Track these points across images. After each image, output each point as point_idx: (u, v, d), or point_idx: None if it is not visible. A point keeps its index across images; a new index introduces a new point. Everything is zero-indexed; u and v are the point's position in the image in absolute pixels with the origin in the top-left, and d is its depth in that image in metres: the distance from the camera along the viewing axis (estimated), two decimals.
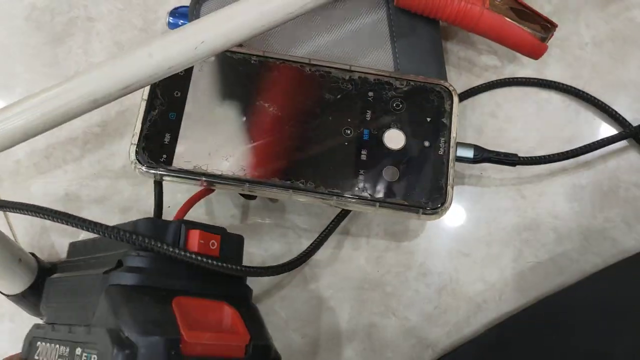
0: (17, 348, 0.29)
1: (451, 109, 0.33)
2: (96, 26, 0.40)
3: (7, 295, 0.31)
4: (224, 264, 0.27)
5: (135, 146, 0.32)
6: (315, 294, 0.36)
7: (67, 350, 0.25)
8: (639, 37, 0.38)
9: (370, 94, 0.34)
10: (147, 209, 0.37)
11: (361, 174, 0.32)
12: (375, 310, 0.36)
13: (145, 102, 0.32)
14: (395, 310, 0.36)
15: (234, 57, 0.34)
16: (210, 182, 0.32)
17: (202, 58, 0.28)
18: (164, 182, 0.33)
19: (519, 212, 0.37)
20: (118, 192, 0.38)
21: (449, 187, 0.32)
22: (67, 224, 0.27)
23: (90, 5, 0.40)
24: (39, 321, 0.31)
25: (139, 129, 0.32)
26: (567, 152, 0.35)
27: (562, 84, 0.37)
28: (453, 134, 0.33)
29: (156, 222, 0.28)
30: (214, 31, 0.27)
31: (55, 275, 0.31)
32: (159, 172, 0.32)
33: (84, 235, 0.35)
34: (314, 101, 0.33)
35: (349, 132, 0.33)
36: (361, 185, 0.32)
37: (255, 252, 0.37)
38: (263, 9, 0.27)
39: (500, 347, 0.34)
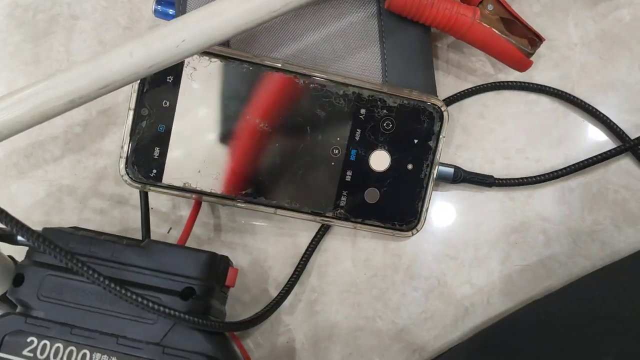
0: None
1: (439, 130, 0.33)
2: (79, 24, 0.39)
3: None
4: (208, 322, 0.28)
5: (125, 160, 0.32)
6: (300, 297, 0.36)
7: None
8: (628, 37, 0.37)
9: (362, 111, 0.33)
10: (128, 209, 0.37)
11: (344, 195, 0.33)
12: (362, 314, 0.36)
13: (132, 111, 0.32)
14: (382, 314, 0.36)
15: (226, 65, 0.33)
16: (199, 197, 0.33)
17: (184, 56, 0.27)
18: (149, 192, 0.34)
19: (508, 214, 0.37)
20: (99, 193, 0.37)
21: (424, 210, 0.34)
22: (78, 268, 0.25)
23: (73, 2, 0.39)
24: None
25: (127, 141, 0.32)
26: (543, 175, 0.36)
27: (551, 88, 0.37)
28: (437, 157, 0.34)
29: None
30: (196, 29, 0.27)
31: (54, 272, 0.29)
32: (148, 187, 0.32)
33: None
34: (305, 118, 0.33)
35: (336, 152, 0.33)
36: (343, 205, 0.33)
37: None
38: (246, 7, 0.27)
39: (488, 351, 0.33)
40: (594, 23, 0.38)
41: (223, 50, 0.32)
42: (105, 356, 0.28)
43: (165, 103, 0.32)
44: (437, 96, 0.34)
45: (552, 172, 0.36)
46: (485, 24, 0.32)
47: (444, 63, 0.38)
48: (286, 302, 0.35)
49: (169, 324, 0.29)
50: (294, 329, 0.36)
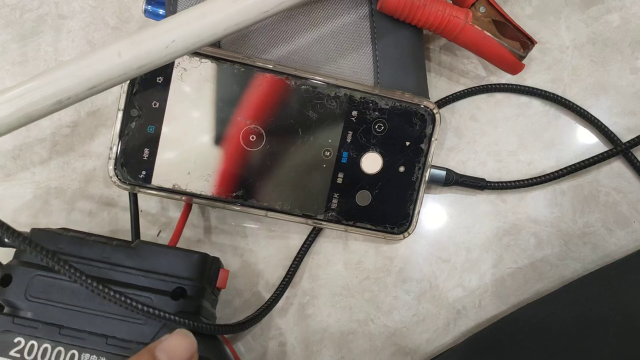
0: None
1: (432, 133, 0.33)
2: (67, 24, 0.38)
3: None
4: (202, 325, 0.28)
5: (114, 161, 0.32)
6: (292, 300, 0.36)
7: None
8: (620, 40, 0.38)
9: (354, 113, 0.33)
10: (117, 212, 0.36)
11: (335, 198, 0.33)
12: (354, 317, 0.35)
13: (121, 112, 0.31)
14: (374, 317, 0.35)
15: (217, 66, 0.32)
16: (190, 198, 0.33)
17: (173, 57, 0.27)
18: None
19: (499, 217, 0.37)
20: (88, 195, 0.36)
21: (416, 213, 0.34)
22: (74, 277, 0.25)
23: (61, 2, 0.39)
24: None
25: (117, 142, 0.32)
26: (534, 178, 0.36)
27: (542, 91, 0.37)
28: (429, 159, 0.33)
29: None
30: (187, 29, 0.26)
31: (42, 272, 0.29)
32: (137, 189, 0.32)
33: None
34: (296, 120, 0.33)
35: (328, 154, 0.33)
36: (334, 208, 0.33)
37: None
38: (237, 7, 0.27)
39: (481, 354, 0.33)
40: (586, 26, 0.38)
41: (214, 51, 0.32)
42: (94, 356, 0.28)
43: (155, 104, 0.32)
44: (429, 98, 0.34)
45: (543, 175, 0.36)
46: (477, 27, 0.32)
47: (436, 65, 0.38)
48: (278, 305, 0.35)
49: (159, 324, 0.28)
50: (286, 332, 0.35)
